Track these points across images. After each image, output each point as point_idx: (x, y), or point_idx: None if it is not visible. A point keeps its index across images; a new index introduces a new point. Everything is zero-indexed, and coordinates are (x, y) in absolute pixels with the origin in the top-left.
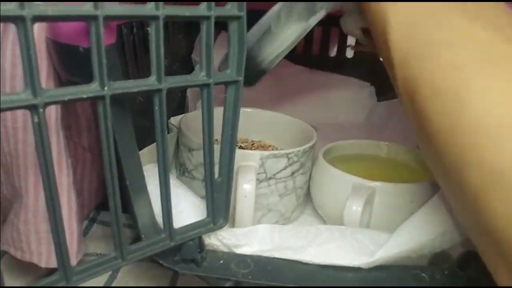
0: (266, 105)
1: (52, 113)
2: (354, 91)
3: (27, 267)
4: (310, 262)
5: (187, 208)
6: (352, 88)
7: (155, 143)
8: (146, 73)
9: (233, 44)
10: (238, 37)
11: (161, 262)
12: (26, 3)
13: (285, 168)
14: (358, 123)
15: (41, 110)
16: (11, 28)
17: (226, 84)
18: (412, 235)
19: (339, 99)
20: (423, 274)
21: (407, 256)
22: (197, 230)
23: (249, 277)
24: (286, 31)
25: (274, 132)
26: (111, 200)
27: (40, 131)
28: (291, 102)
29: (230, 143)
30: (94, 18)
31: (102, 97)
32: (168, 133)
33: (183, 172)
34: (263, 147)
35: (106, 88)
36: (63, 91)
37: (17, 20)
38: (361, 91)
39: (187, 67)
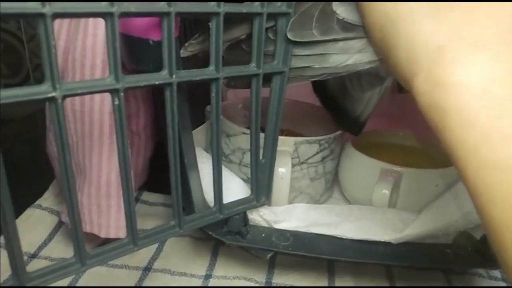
0: (296, 98)
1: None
2: None
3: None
4: (344, 237)
5: (232, 187)
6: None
7: (198, 128)
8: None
9: (280, 38)
10: (285, 32)
11: (210, 233)
12: (115, 2)
13: (317, 153)
14: (380, 113)
15: (121, 93)
16: (82, 24)
17: (273, 74)
18: (438, 215)
19: None
20: (448, 250)
21: (433, 234)
22: (242, 206)
23: (289, 248)
24: (365, 96)
25: (301, 121)
26: (172, 175)
27: (120, 112)
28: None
29: (274, 129)
30: (168, 14)
31: (170, 84)
32: (205, 120)
33: None
34: (293, 135)
35: (174, 76)
36: (139, 77)
37: (107, 15)
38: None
39: None
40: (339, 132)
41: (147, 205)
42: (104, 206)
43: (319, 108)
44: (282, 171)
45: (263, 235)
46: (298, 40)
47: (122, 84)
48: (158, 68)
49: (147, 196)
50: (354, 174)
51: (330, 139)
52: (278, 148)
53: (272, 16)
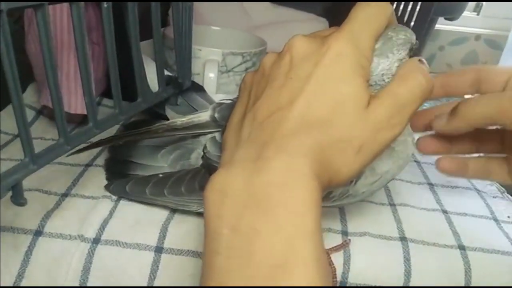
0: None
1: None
2: (312, 25)
3: None
4: None
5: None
6: (311, 23)
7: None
8: None
9: None
10: None
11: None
12: None
13: (241, 64)
14: None
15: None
16: None
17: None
18: None
19: (300, 31)
20: None
21: None
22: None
23: None
24: None
25: (237, 45)
26: (112, 72)
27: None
28: (258, 33)
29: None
30: None
31: None
32: None
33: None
34: None
35: None
36: None
37: None
38: (318, 25)
39: None
40: (260, 48)
41: (106, 108)
42: (72, 89)
43: (251, 35)
44: (211, 75)
45: None
46: None
47: None
48: None
49: (106, 101)
50: None
51: (252, 53)
52: (209, 58)
53: None
